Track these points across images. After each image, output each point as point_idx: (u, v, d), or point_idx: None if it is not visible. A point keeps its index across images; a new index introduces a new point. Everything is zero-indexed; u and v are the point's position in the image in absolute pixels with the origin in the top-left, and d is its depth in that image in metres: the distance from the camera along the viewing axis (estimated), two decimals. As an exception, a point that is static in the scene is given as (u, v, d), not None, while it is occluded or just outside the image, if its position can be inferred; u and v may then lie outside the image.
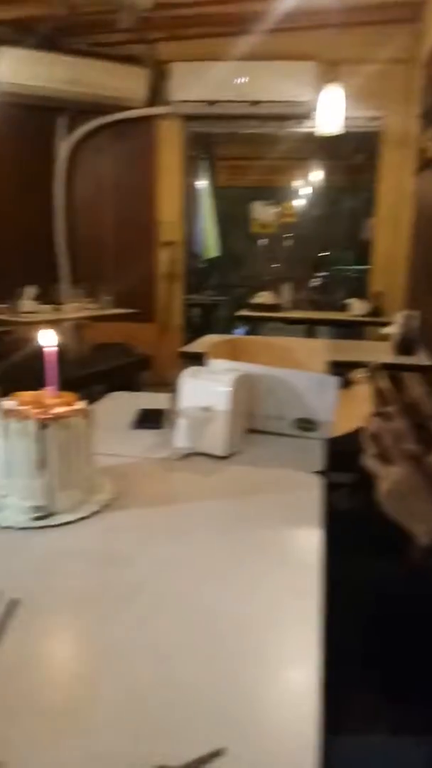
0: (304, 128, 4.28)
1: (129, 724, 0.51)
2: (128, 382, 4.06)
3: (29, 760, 0.47)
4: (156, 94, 4.39)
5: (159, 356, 4.52)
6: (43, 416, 0.89)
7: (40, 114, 4.50)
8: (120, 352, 4.42)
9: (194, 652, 0.61)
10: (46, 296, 4.08)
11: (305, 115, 4.10)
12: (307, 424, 1.23)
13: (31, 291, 3.88)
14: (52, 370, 0.96)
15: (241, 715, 0.53)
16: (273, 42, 3.99)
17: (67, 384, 0.98)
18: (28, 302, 3.83)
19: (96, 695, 0.55)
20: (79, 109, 4.48)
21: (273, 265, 6.29)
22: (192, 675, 0.58)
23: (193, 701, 0.54)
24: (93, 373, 3.70)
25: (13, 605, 0.42)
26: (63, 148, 4.66)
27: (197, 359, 1.27)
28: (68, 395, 0.97)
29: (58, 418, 0.90)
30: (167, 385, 1.26)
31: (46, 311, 3.93)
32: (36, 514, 0.89)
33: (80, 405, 0.96)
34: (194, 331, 5.39)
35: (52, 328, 0.97)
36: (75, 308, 4.19)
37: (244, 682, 0.58)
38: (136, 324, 4.55)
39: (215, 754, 0.46)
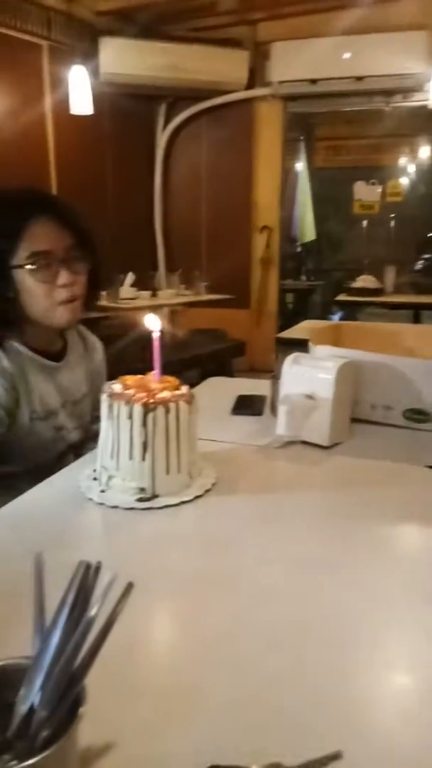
0: (413, 102, 4.06)
1: (239, 715, 0.50)
2: (222, 368, 4.08)
3: (139, 742, 0.48)
4: (255, 76, 4.33)
5: (253, 342, 4.51)
6: (148, 400, 0.90)
7: (140, 102, 4.59)
8: (214, 337, 4.46)
9: (304, 646, 0.59)
10: (144, 283, 4.18)
11: (415, 88, 3.89)
12: (418, 415, 1.16)
13: (130, 277, 3.99)
14: (156, 355, 0.96)
15: (357, 718, 0.50)
16: (379, 14, 3.81)
17: (162, 369, 0.98)
18: (127, 289, 3.94)
19: (206, 683, 0.54)
20: (179, 96, 4.53)
21: (374, 248, 6.05)
22: (303, 670, 0.56)
23: (305, 698, 0.52)
24: (187, 359, 3.76)
25: (128, 588, 0.41)
26: (162, 135, 4.73)
27: (294, 345, 1.23)
28: (172, 380, 0.98)
29: (162, 402, 0.91)
30: (260, 371, 1.23)
31: (144, 297, 4.03)
32: (140, 496, 0.91)
33: (184, 390, 0.96)
34: (287, 317, 5.33)
35: (151, 314, 0.97)
36: (171, 294, 4.27)
37: (359, 682, 0.55)
38: (231, 310, 4.56)
39: (333, 757, 0.44)
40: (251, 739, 0.48)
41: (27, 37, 3.77)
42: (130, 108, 4.52)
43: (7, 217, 1.04)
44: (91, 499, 0.91)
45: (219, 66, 4.21)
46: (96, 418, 1.28)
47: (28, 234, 1.03)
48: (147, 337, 0.95)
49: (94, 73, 3.99)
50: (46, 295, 1.06)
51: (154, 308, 4.33)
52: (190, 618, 0.64)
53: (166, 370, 0.98)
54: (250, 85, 4.36)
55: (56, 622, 0.42)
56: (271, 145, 4.57)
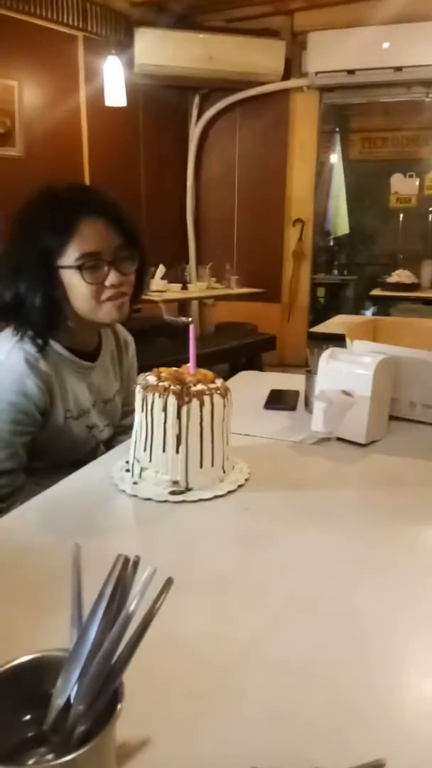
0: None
1: (278, 719, 0.49)
2: (252, 362, 4.06)
3: (176, 741, 0.47)
4: (291, 67, 4.27)
5: (283, 336, 4.47)
6: (182, 393, 0.89)
7: (174, 93, 4.57)
8: (244, 331, 4.43)
9: (344, 648, 0.58)
10: (175, 275, 4.17)
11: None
12: (459, 414, 1.13)
13: (161, 270, 3.99)
14: (192, 348, 0.95)
15: (399, 725, 0.49)
16: (419, 2, 3.71)
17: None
18: (157, 281, 3.94)
19: (244, 683, 0.53)
20: (214, 87, 4.49)
21: (410, 242, 5.92)
22: (343, 673, 0.55)
23: (345, 702, 0.51)
24: (217, 352, 3.75)
25: (168, 583, 0.40)
26: (195, 127, 4.70)
27: (327, 340, 1.20)
28: (206, 373, 0.96)
29: (197, 395, 0.90)
30: (291, 366, 1.21)
31: (174, 290, 4.02)
32: (172, 489, 0.90)
33: (219, 383, 0.95)
34: (318, 312, 5.26)
35: (180, 307, 0.97)
36: (202, 287, 4.25)
37: (401, 687, 0.54)
38: (262, 303, 4.53)
39: (376, 766, 0.42)
40: (290, 744, 0.47)
41: (63, 29, 3.78)
42: (163, 99, 4.51)
43: (56, 216, 1.03)
44: (123, 491, 0.90)
45: (255, 57, 4.16)
46: (126, 413, 1.28)
47: (78, 234, 1.01)
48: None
49: (129, 64, 3.99)
50: (93, 295, 1.05)
51: (185, 301, 4.34)
52: (226, 616, 0.63)
53: (196, 363, 0.97)
54: (286, 76, 4.30)
55: (94, 615, 0.41)
56: (306, 137, 4.50)
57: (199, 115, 4.68)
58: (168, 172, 4.74)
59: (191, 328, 0.96)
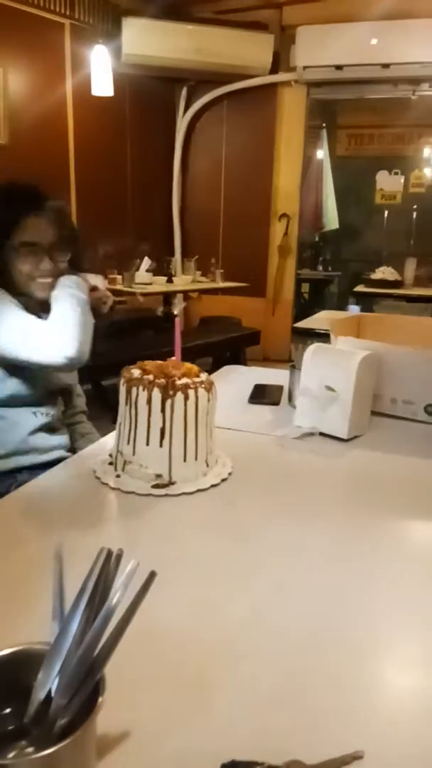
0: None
1: (258, 711, 0.49)
2: (235, 357, 4.06)
3: (156, 733, 0.47)
4: (279, 61, 4.26)
5: (267, 331, 4.48)
6: (167, 386, 0.89)
7: (161, 85, 4.53)
8: (229, 325, 4.43)
9: (323, 642, 0.58)
10: (160, 268, 4.15)
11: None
12: (440, 411, 1.15)
13: (146, 263, 3.96)
14: (177, 341, 0.95)
15: (379, 718, 0.49)
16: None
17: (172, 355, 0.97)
18: (142, 274, 3.92)
19: (224, 676, 0.53)
20: (201, 79, 4.46)
21: (395, 239, 5.95)
22: (323, 667, 0.55)
23: (325, 695, 0.52)
24: (201, 346, 3.74)
25: (151, 577, 0.40)
26: (182, 119, 4.68)
27: (311, 335, 1.21)
28: (191, 366, 0.96)
29: (182, 388, 0.89)
30: (274, 361, 1.23)
31: (159, 283, 4.00)
32: (156, 482, 0.90)
33: (204, 377, 0.95)
34: (302, 307, 5.28)
35: (164, 300, 0.97)
36: (187, 281, 4.24)
37: (380, 680, 0.54)
38: (246, 298, 4.53)
39: (354, 757, 0.43)
40: (270, 736, 0.47)
41: (50, 16, 3.73)
42: (150, 90, 4.47)
43: (8, 207, 1.25)
44: (106, 485, 0.90)
45: (243, 49, 4.14)
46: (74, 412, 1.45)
47: (22, 226, 1.23)
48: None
49: (116, 53, 3.94)
50: (27, 273, 1.25)
51: (170, 294, 4.32)
52: (206, 610, 0.63)
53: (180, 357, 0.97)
54: (273, 70, 4.29)
55: (76, 608, 0.41)
56: (293, 132, 4.50)
57: (187, 107, 4.66)
58: (154, 164, 4.70)
59: (177, 321, 0.96)
